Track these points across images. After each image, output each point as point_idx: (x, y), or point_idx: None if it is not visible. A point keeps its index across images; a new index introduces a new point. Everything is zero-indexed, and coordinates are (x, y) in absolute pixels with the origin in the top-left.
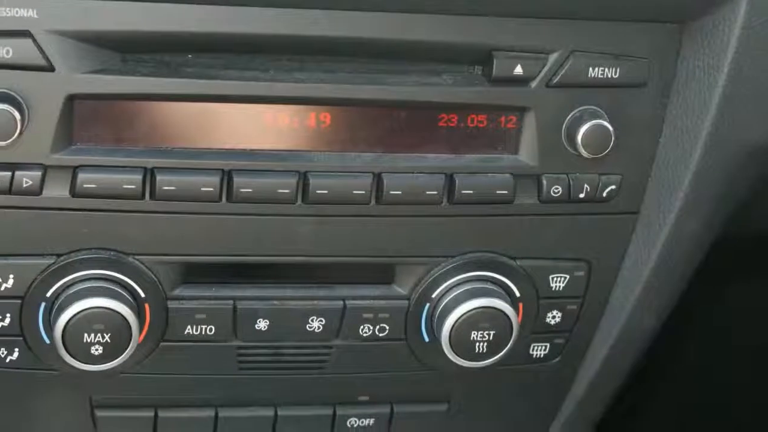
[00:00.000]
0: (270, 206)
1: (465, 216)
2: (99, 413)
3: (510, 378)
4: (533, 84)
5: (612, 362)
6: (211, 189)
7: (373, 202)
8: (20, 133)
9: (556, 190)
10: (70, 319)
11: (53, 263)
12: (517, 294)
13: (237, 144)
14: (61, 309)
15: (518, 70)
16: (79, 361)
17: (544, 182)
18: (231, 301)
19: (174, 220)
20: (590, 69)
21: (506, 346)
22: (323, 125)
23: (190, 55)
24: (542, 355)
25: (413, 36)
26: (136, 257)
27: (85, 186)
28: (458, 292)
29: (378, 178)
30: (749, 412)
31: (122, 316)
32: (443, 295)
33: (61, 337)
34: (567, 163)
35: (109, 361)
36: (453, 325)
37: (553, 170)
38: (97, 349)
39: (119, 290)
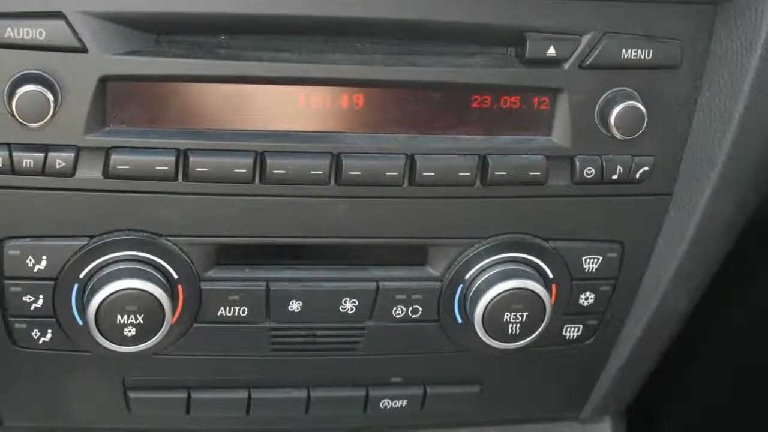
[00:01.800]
0: (303, 188)
1: (498, 197)
2: (132, 394)
3: (543, 360)
4: (566, 65)
5: (645, 344)
6: (244, 170)
7: (406, 183)
8: (53, 115)
9: (589, 172)
10: (103, 301)
11: (86, 245)
12: (550, 275)
13: (270, 125)
14: (94, 290)
15: (551, 51)
16: (112, 342)
17: (577, 164)
18: (264, 283)
19: (207, 202)
20: (623, 50)
21: (539, 327)
22: (356, 107)
23: (223, 37)
24: (575, 337)
25: (446, 17)
26: (169, 238)
27: (118, 167)
28: (491, 273)
29: (411, 159)
30: None
31: (155, 297)
32: (476, 276)
33: (94, 318)
34: (600, 144)
35: (142, 343)
36: (486, 307)
37: (586, 152)
38: (130, 331)
39: (152, 271)
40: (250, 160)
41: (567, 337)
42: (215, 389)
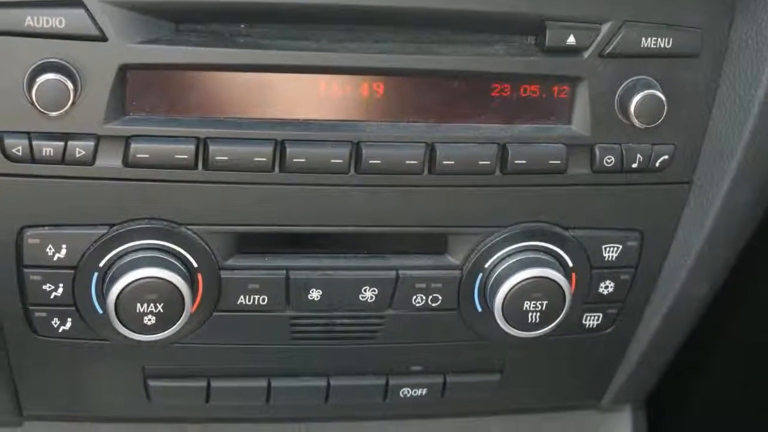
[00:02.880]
0: (322, 176)
1: (518, 186)
2: (152, 383)
3: (562, 348)
4: (586, 54)
5: (665, 332)
6: (264, 159)
7: (426, 172)
8: (73, 103)
9: (608, 160)
10: (123, 289)
11: (106, 233)
12: (570, 264)
13: (290, 114)
14: (114, 279)
15: (571, 40)
16: (132, 331)
17: (597, 152)
18: (284, 271)
19: (227, 190)
20: (643, 39)
21: (559, 316)
22: (376, 95)
23: (243, 25)
24: (595, 325)
25: (466, 6)
26: (189, 227)
27: (137, 156)
28: (511, 262)
29: (431, 148)
30: None
31: (175, 286)
32: (496, 265)
33: (114, 307)
34: (620, 133)
35: (162, 332)
36: (506, 295)
37: (606, 140)
38: (149, 320)
39: (172, 260)
40: (269, 149)
41: (587, 326)
42: (235, 378)
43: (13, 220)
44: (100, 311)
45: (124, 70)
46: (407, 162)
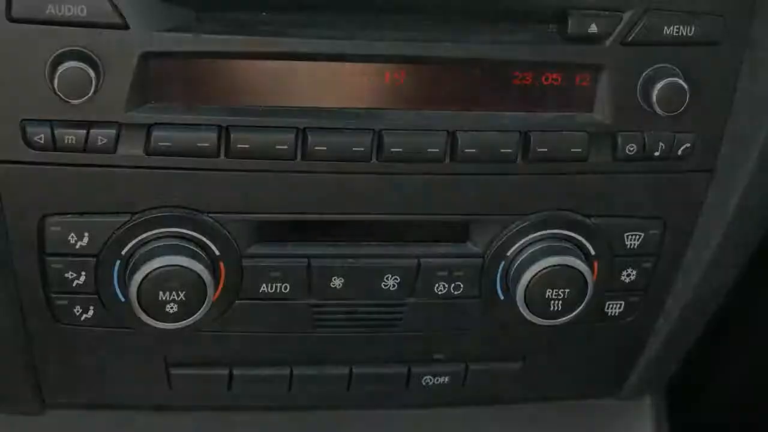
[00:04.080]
0: (344, 164)
1: (539, 174)
2: (174, 371)
3: (584, 337)
4: (608, 42)
5: (687, 320)
6: (286, 147)
7: (447, 160)
8: (95, 91)
9: (630, 148)
10: (145, 277)
11: (128, 221)
12: (592, 252)
13: (311, 102)
14: (136, 267)
15: (593, 28)
16: (154, 319)
17: (619, 140)
18: (305, 259)
19: (248, 178)
20: (665, 27)
21: (581, 304)
22: (398, 83)
23: (264, 13)
24: (617, 313)
25: None
26: (211, 215)
27: (159, 144)
28: (533, 250)
29: (452, 136)
30: None
31: (197, 274)
32: (518, 253)
33: (136, 295)
34: (642, 121)
35: (184, 320)
36: (528, 283)
37: (628, 128)
38: (171, 308)
39: (194, 248)
40: (291, 137)
41: (609, 314)
42: (257, 366)
43: (36, 208)
44: (122, 299)
45: (146, 58)
46: (429, 150)
